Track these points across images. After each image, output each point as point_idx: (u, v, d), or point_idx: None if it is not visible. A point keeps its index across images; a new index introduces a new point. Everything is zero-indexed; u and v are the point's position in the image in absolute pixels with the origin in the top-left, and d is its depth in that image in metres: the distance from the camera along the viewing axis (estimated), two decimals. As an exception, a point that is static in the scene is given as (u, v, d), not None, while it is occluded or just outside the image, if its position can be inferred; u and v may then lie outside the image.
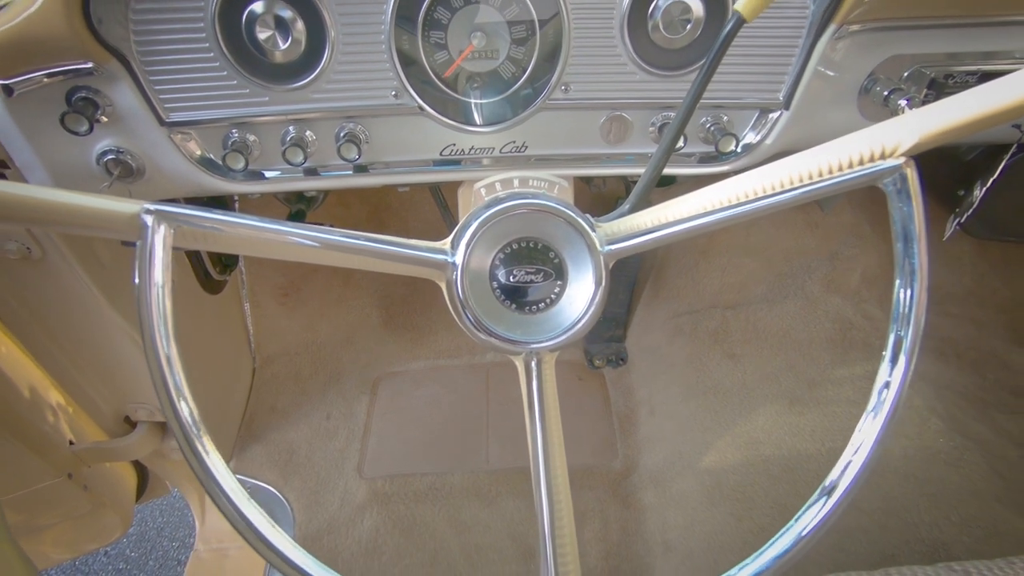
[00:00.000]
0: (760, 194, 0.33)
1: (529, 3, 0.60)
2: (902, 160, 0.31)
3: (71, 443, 1.04)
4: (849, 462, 0.35)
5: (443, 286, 0.39)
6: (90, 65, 0.56)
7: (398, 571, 1.04)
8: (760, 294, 1.43)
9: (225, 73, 0.60)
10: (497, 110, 0.66)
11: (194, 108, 0.62)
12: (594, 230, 0.37)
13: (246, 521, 0.36)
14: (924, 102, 0.71)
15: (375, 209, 1.46)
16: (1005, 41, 0.69)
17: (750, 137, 0.71)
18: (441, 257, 0.39)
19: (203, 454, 0.35)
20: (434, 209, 0.91)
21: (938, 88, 0.70)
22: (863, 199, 1.45)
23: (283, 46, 0.59)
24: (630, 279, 1.39)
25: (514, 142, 0.69)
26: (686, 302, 1.43)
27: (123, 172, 0.63)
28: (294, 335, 1.43)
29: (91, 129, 0.58)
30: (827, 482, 0.35)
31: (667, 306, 1.44)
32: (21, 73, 0.55)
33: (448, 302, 0.39)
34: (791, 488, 1.08)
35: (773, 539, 0.36)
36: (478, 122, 0.66)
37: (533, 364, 0.40)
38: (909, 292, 0.32)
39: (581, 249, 0.38)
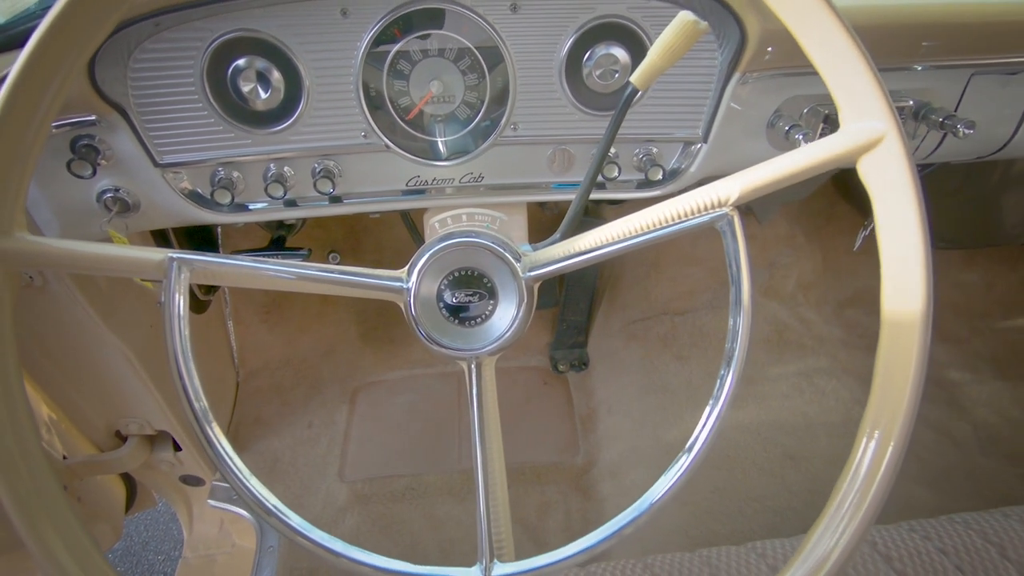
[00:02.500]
0: (640, 231, 0.41)
1: (479, 55, 0.68)
2: (729, 208, 0.40)
3: (64, 458, 1.08)
4: (693, 444, 0.44)
5: (401, 306, 0.47)
6: (93, 117, 0.62)
7: (379, 566, 1.10)
8: (705, 301, 1.53)
9: (212, 120, 0.66)
10: (456, 145, 0.73)
11: (185, 151, 0.68)
12: (518, 260, 0.45)
13: (249, 490, 0.44)
14: (821, 135, 0.81)
15: (351, 230, 1.52)
16: (889, 83, 0.79)
17: (676, 166, 0.80)
18: (398, 284, 0.46)
19: (215, 440, 0.42)
20: (405, 227, 0.99)
21: (832, 123, 0.79)
22: (797, 213, 1.56)
23: (264, 96, 0.65)
24: (589, 290, 1.47)
25: (471, 173, 0.76)
26: (639, 310, 1.52)
27: (121, 208, 0.68)
28: (276, 350, 1.48)
29: (94, 172, 0.64)
30: (678, 456, 0.45)
31: (622, 314, 1.52)
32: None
33: (405, 319, 0.47)
34: (728, 474, 1.17)
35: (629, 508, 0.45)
36: (439, 156, 0.73)
37: (474, 367, 0.47)
38: (739, 311, 0.42)
39: (507, 275, 0.46)
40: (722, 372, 0.44)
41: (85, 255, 0.40)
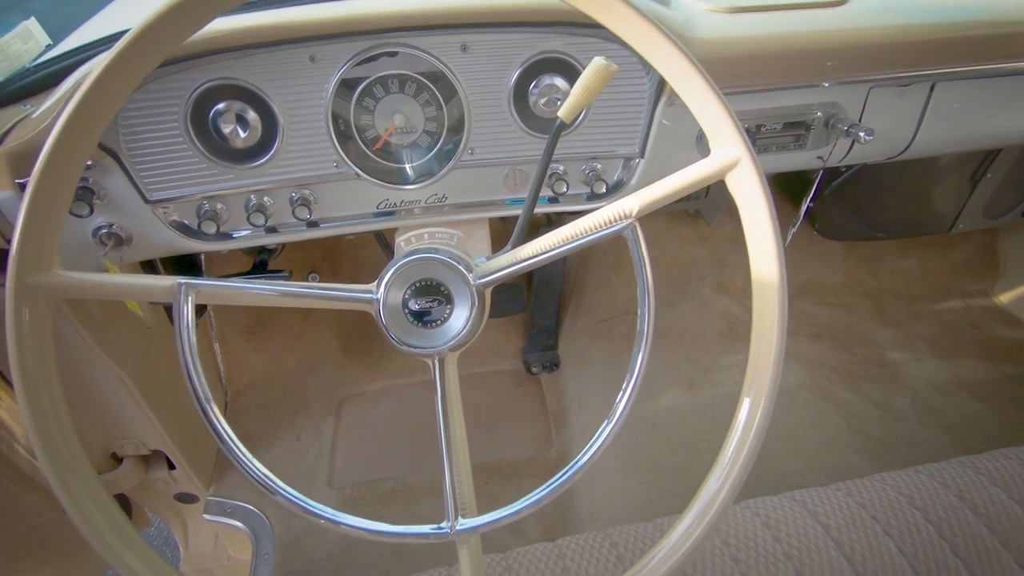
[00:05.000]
0: (568, 240, 0.49)
1: (435, 90, 0.74)
2: (633, 220, 0.48)
3: (63, 482, 1.11)
4: (614, 412, 0.52)
5: (373, 315, 0.53)
6: (89, 162, 0.67)
7: (368, 563, 1.15)
8: (662, 299, 1.61)
9: (196, 159, 0.71)
10: (420, 170, 0.78)
11: (172, 187, 0.72)
12: (470, 271, 0.52)
13: (250, 465, 0.51)
14: (744, 148, 0.90)
15: (329, 251, 1.57)
16: (798, 98, 0.88)
17: (619, 179, 0.88)
18: (368, 295, 0.52)
19: (218, 425, 0.49)
20: (379, 246, 1.05)
21: (752, 136, 0.88)
22: (744, 214, 1.66)
23: (243, 135, 0.70)
24: (556, 295, 1.55)
25: (436, 194, 0.81)
26: (603, 311, 1.60)
27: (115, 242, 0.73)
28: (262, 368, 1.52)
29: (91, 211, 0.69)
30: (603, 423, 0.52)
31: (588, 315, 1.60)
32: (31, 173, 0.66)
33: (377, 325, 0.54)
34: (688, 455, 1.25)
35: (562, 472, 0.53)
36: (406, 181, 0.78)
37: (437, 362, 0.54)
38: (645, 303, 0.50)
39: (460, 283, 0.53)
40: (635, 351, 0.51)
41: (108, 284, 0.47)
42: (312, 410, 1.47)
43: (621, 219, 0.48)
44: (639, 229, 0.48)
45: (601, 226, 0.48)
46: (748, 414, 0.49)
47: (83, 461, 0.49)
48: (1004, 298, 1.76)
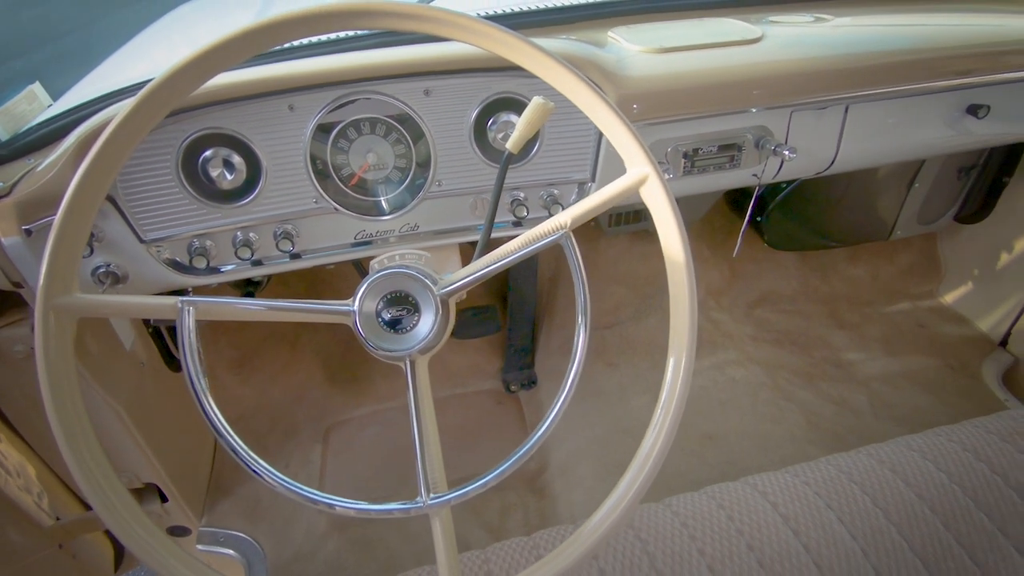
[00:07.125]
0: (516, 250, 0.56)
1: (403, 130, 0.81)
2: (567, 230, 0.56)
3: (58, 519, 1.13)
4: (561, 392, 0.58)
5: (350, 325, 0.60)
6: None
7: (359, 582, 1.18)
8: (629, 314, 1.69)
9: (187, 201, 0.77)
10: (394, 202, 0.85)
11: (165, 227, 0.78)
12: (435, 283, 0.59)
13: (246, 455, 0.57)
14: (684, 171, 0.99)
15: (312, 283, 1.62)
16: (731, 123, 0.97)
17: (574, 202, 0.95)
18: (346, 308, 0.59)
19: (213, 416, 0.54)
20: (359, 276, 1.11)
21: (691, 159, 0.97)
22: (701, 231, 1.76)
23: (229, 178, 0.77)
24: (530, 317, 1.62)
25: (408, 224, 0.88)
26: (574, 328, 1.67)
27: (112, 280, 0.77)
28: (250, 400, 1.55)
29: (91, 252, 0.75)
30: (545, 417, 0.59)
31: (560, 332, 1.67)
32: (37, 219, 0.71)
33: (355, 334, 0.60)
34: (656, 457, 1.31)
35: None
36: (381, 212, 0.85)
37: (409, 363, 0.60)
38: (581, 295, 0.57)
39: (426, 294, 0.59)
40: (576, 332, 0.58)
41: (121, 303, 0.54)
42: (301, 438, 1.50)
43: (558, 230, 0.55)
44: (572, 237, 0.56)
45: (542, 236, 0.56)
46: (673, 371, 0.57)
47: (101, 456, 0.54)
48: (948, 298, 1.86)
